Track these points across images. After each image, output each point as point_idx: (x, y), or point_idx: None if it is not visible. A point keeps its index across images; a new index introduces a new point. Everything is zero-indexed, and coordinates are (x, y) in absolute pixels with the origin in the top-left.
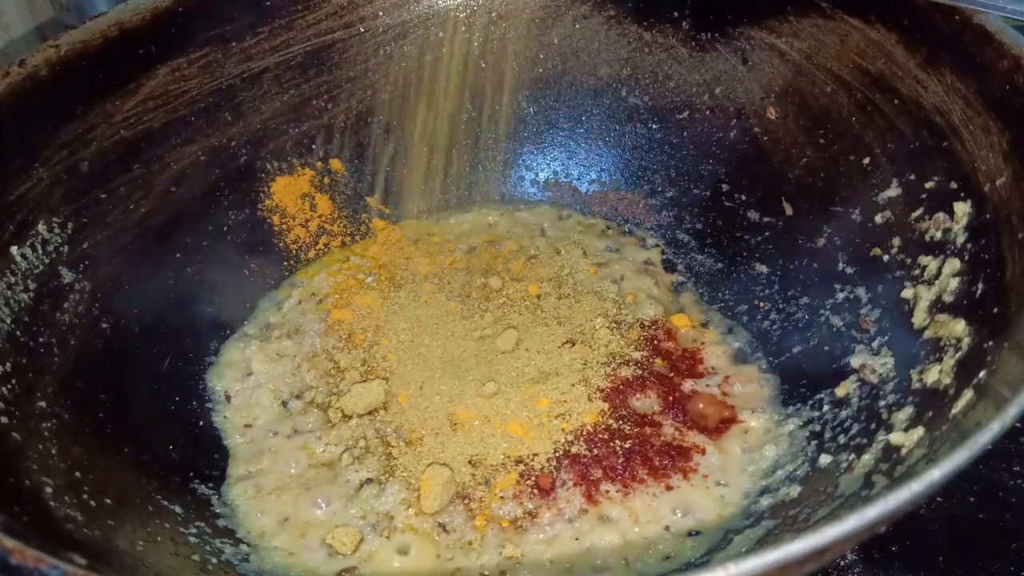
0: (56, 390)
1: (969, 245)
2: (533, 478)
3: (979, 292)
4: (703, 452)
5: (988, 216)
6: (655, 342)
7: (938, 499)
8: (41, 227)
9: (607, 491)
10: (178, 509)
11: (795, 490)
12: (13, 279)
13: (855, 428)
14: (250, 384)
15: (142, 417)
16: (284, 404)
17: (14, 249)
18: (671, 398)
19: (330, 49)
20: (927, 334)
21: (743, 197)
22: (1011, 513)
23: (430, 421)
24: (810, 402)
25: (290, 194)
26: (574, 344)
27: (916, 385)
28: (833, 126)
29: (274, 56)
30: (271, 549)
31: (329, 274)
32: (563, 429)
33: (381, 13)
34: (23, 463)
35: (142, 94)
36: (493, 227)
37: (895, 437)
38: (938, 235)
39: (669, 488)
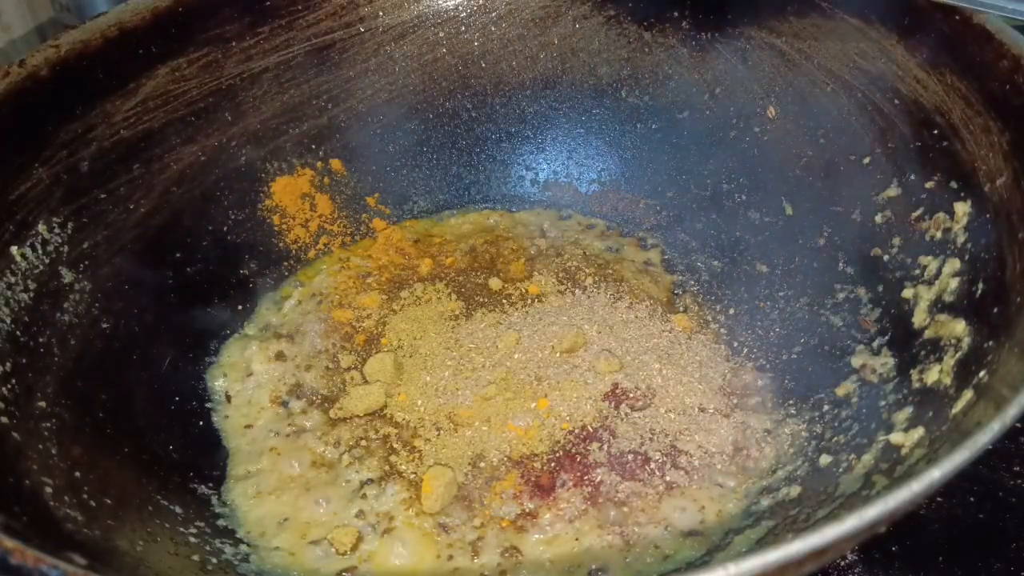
0: (56, 390)
1: (969, 245)
2: (533, 478)
3: (979, 292)
4: (703, 452)
5: (988, 216)
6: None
7: (938, 499)
8: (41, 227)
9: (607, 491)
10: (178, 509)
11: (795, 490)
12: (13, 279)
13: (855, 428)
14: (250, 384)
15: (142, 417)
16: (284, 404)
17: (14, 249)
18: (671, 398)
19: (330, 49)
20: (927, 334)
21: (743, 197)
22: (1011, 513)
23: (430, 421)
24: (810, 402)
25: (290, 194)
26: (574, 344)
27: (916, 385)
28: (833, 126)
29: (274, 56)
30: (271, 549)
31: (329, 274)
32: (563, 429)
33: (381, 13)
34: (23, 463)
35: (142, 94)
36: (493, 227)
37: (895, 437)
38: (938, 235)
39: (669, 488)
